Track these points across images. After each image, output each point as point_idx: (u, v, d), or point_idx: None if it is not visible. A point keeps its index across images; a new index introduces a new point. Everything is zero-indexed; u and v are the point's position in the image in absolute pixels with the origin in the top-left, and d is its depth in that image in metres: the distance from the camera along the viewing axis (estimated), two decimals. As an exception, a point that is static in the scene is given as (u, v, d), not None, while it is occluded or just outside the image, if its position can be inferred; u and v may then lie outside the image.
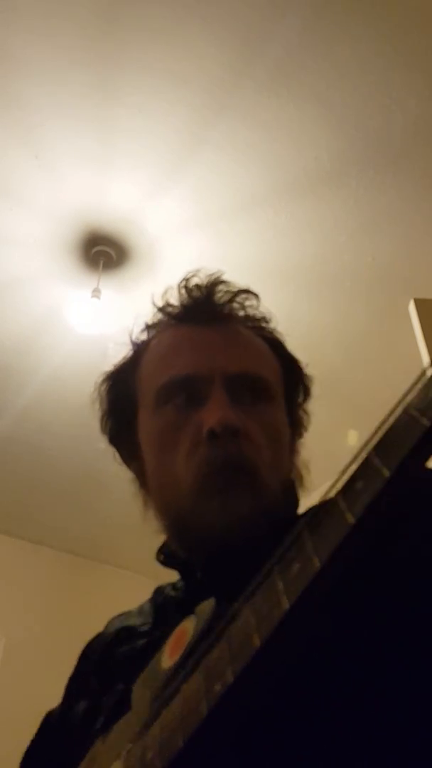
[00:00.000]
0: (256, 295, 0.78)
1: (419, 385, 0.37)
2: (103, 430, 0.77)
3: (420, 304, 2.26)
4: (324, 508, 0.39)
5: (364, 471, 0.37)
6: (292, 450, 0.73)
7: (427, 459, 0.35)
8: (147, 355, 0.74)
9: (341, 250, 2.41)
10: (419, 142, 2.10)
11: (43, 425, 3.02)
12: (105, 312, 2.40)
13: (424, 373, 0.37)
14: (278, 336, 0.78)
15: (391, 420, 0.37)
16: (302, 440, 0.76)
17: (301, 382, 0.77)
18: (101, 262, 2.43)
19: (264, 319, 0.78)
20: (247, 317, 0.76)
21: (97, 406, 0.77)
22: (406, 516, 0.40)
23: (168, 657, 0.51)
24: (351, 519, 0.35)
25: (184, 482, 0.64)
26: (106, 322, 2.38)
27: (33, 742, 0.73)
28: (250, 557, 0.48)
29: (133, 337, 0.78)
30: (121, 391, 0.75)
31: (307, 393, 0.78)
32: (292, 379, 0.76)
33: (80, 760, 0.57)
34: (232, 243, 2.40)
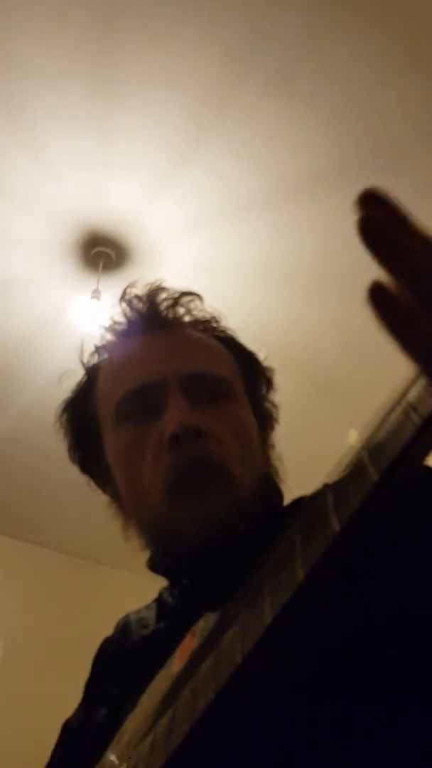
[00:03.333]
0: (199, 297, 0.75)
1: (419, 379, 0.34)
2: (73, 460, 0.76)
3: (419, 304, 2.26)
4: (314, 509, 0.37)
5: (355, 472, 0.35)
6: (265, 445, 0.71)
7: (421, 460, 0.33)
8: (100, 377, 0.73)
9: (341, 251, 2.41)
10: (418, 144, 2.10)
11: (43, 425, 3.01)
12: (105, 313, 2.40)
13: None
14: (230, 332, 0.76)
15: (386, 415, 0.35)
16: (274, 432, 0.74)
17: (261, 374, 0.75)
18: (101, 263, 2.43)
19: (213, 319, 0.75)
20: (195, 320, 0.74)
21: (62, 437, 0.76)
22: (397, 517, 0.39)
23: (177, 663, 0.51)
24: (337, 526, 0.34)
25: (153, 493, 0.62)
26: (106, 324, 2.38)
27: (54, 753, 0.72)
28: (235, 557, 0.47)
29: (84, 361, 0.77)
30: (82, 418, 0.74)
31: (269, 384, 0.75)
32: (251, 373, 0.74)
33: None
34: (232, 244, 2.40)
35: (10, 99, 2.01)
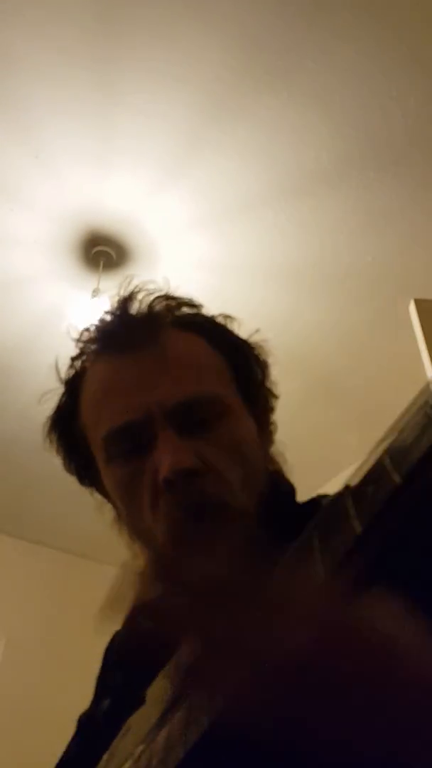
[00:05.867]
0: (173, 298, 0.71)
1: None
2: (70, 472, 0.74)
3: (420, 304, 2.26)
4: (332, 513, 0.37)
5: (376, 474, 0.35)
6: (265, 442, 0.69)
7: None
8: (83, 400, 0.69)
9: (341, 250, 2.41)
10: (419, 142, 2.10)
11: (43, 425, 3.01)
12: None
13: None
14: (213, 321, 0.71)
15: (408, 418, 0.34)
16: (274, 414, 0.71)
17: (255, 361, 0.71)
18: (101, 263, 2.43)
19: (191, 306, 0.71)
20: (174, 317, 0.69)
21: (54, 453, 0.73)
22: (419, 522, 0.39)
23: (184, 653, 0.50)
24: (359, 528, 0.34)
25: (156, 537, 0.61)
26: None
27: (69, 746, 0.70)
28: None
29: (62, 375, 0.73)
30: (72, 441, 0.71)
31: (264, 369, 0.71)
32: (243, 364, 0.69)
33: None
34: (232, 243, 2.40)
35: (10, 97, 2.01)
